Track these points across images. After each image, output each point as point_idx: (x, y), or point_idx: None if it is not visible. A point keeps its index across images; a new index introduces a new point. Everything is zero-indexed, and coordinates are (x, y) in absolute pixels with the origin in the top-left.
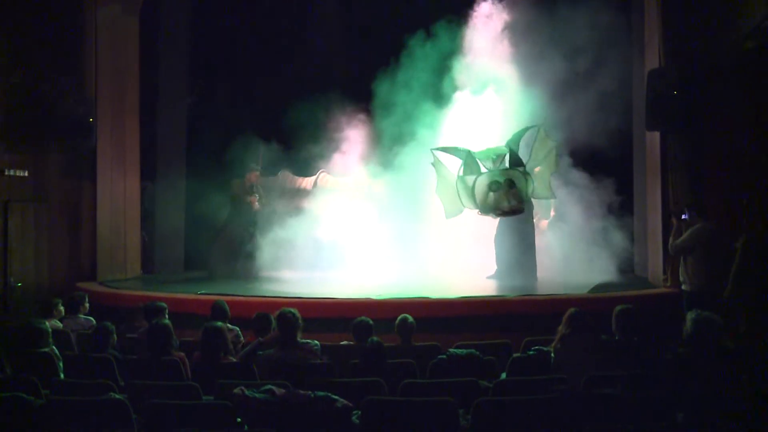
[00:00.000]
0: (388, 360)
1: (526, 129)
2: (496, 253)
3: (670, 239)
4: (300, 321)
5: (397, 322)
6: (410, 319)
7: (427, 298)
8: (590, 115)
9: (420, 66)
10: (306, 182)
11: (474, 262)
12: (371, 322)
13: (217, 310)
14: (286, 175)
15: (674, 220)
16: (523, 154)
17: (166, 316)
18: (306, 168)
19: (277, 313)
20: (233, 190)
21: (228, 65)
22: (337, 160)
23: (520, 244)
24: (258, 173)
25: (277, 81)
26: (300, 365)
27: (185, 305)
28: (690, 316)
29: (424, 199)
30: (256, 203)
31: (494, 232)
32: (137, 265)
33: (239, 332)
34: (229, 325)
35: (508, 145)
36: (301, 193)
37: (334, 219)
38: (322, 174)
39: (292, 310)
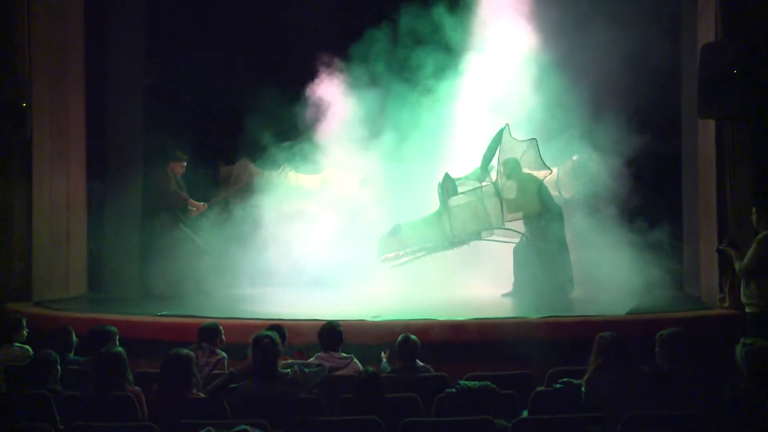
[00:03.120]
0: (386, 394)
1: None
2: (514, 267)
3: (736, 264)
4: (280, 347)
5: (397, 342)
6: (412, 337)
7: (433, 319)
8: (629, 99)
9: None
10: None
11: (488, 277)
12: (341, 328)
13: (206, 331)
14: (249, 167)
15: (731, 251)
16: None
17: (117, 342)
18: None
19: (252, 337)
20: (161, 183)
21: (192, 40)
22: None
23: (544, 256)
24: (185, 164)
25: (251, 56)
26: (281, 400)
27: (142, 329)
28: (740, 349)
29: (427, 200)
30: (194, 208)
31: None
32: (82, 282)
33: (225, 358)
34: (219, 351)
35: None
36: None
37: (317, 226)
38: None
39: (270, 333)
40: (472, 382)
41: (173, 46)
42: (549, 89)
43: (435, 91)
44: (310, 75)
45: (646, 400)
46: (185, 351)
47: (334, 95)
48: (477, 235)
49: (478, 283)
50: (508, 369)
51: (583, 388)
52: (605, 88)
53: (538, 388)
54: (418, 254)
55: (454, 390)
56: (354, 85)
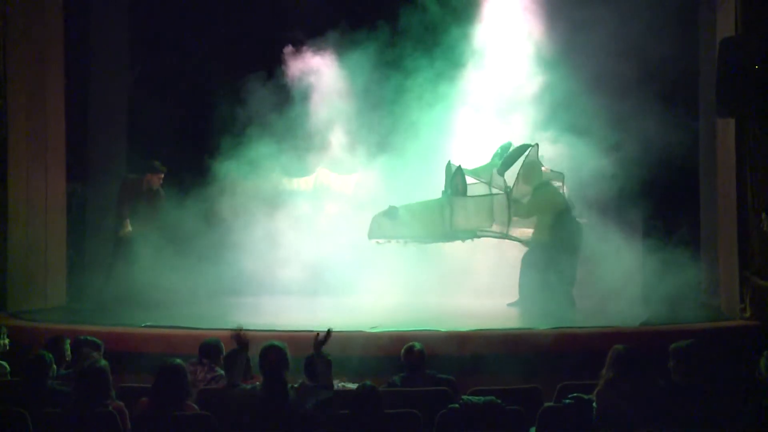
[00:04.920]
0: (385, 409)
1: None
2: (521, 276)
3: None
4: (290, 360)
5: (402, 351)
6: (417, 346)
7: (435, 330)
8: (642, 97)
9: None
10: (302, 182)
11: (493, 286)
12: (330, 357)
13: (208, 348)
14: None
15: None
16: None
17: (102, 354)
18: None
19: (260, 348)
20: (130, 189)
21: (178, 34)
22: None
23: (553, 263)
24: (162, 176)
25: (244, 47)
26: (278, 416)
27: (125, 342)
28: (765, 362)
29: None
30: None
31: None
32: (62, 292)
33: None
34: (218, 369)
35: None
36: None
37: (314, 232)
38: (322, 170)
39: (278, 343)
40: (477, 398)
41: (158, 42)
42: (555, 86)
43: (435, 87)
44: (302, 68)
45: (661, 416)
46: (177, 361)
47: (328, 88)
48: (473, 234)
49: (482, 291)
50: (514, 383)
51: (594, 404)
52: (617, 85)
53: (547, 404)
54: (410, 242)
55: (457, 405)
56: (349, 79)
